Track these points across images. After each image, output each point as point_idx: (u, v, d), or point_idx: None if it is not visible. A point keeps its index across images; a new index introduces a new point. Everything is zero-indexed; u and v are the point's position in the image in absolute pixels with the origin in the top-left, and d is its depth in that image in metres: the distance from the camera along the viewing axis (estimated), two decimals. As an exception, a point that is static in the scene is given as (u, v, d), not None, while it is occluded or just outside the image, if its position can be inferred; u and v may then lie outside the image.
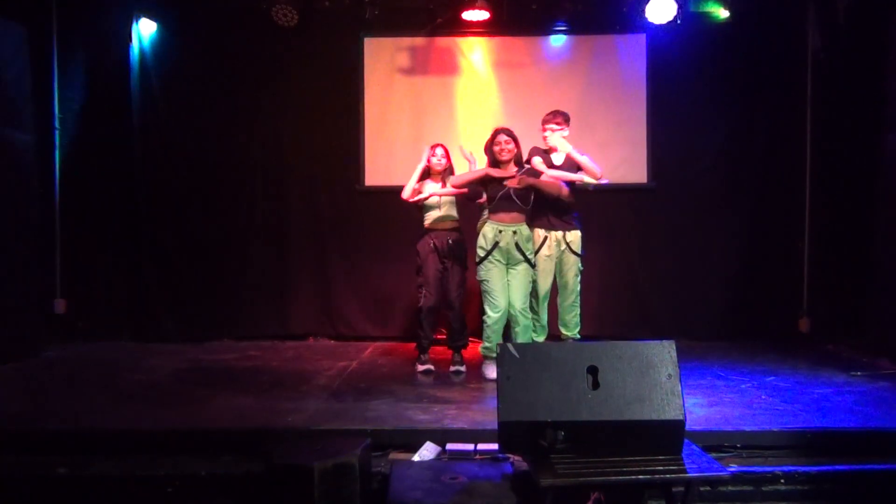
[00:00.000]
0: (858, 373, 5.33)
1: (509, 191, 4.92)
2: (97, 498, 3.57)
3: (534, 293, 5.29)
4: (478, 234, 5.62)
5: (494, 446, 3.49)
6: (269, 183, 6.97)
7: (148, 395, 4.76)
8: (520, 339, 5.01)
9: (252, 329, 6.88)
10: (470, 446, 3.88)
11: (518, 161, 5.07)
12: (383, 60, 6.97)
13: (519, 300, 5.02)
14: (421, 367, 5.54)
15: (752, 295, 6.83)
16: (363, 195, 7.00)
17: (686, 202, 6.84)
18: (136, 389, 4.93)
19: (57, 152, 6.77)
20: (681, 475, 3.16)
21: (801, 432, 3.97)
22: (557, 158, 5.40)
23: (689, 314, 6.79)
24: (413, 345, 6.68)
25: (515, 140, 5.03)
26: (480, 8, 6.37)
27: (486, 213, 5.52)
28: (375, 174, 6.99)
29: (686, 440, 3.32)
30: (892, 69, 5.94)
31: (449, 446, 3.87)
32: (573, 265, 5.38)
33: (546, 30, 6.90)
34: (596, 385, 3.26)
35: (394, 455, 3.86)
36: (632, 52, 6.91)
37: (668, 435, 3.25)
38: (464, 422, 4.10)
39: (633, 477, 3.10)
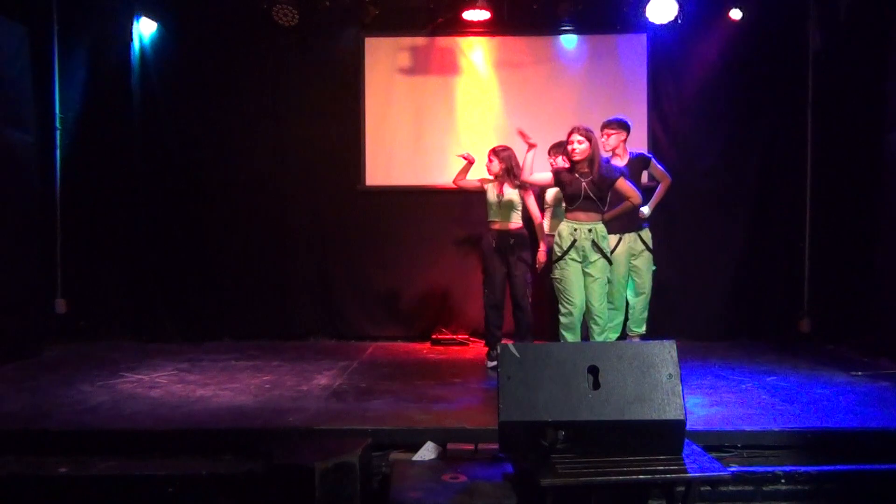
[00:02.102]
0: (859, 373, 5.32)
1: (587, 191, 4.87)
2: (97, 498, 3.57)
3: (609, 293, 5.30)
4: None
5: (494, 446, 3.49)
6: (270, 183, 6.95)
7: (148, 395, 4.76)
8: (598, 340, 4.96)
9: (252, 329, 6.87)
10: (470, 446, 3.88)
11: (591, 162, 4.91)
12: (384, 60, 6.97)
13: (596, 300, 4.94)
14: (490, 364, 5.61)
15: (752, 295, 6.83)
16: (363, 195, 7.00)
17: (686, 202, 6.83)
18: (136, 389, 4.93)
19: (57, 152, 6.77)
20: (681, 475, 3.17)
21: (801, 432, 3.97)
22: (620, 163, 5.54)
23: (689, 314, 6.79)
24: (415, 344, 6.74)
25: (590, 140, 4.91)
26: (481, 8, 6.37)
27: (548, 212, 5.69)
28: (375, 174, 6.99)
29: (687, 440, 3.32)
30: (893, 69, 5.93)
31: (449, 446, 3.87)
32: (649, 263, 5.63)
33: (546, 30, 6.89)
34: (596, 385, 3.26)
35: (394, 455, 3.86)
36: (632, 52, 6.91)
37: (669, 435, 3.25)
38: (464, 422, 4.10)
39: (634, 477, 3.10)
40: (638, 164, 5.65)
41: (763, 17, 6.67)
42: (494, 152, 5.56)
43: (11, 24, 5.98)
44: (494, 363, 5.54)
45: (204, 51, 6.89)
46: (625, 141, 5.63)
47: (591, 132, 4.94)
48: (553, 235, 5.18)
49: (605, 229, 5.01)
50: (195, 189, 6.91)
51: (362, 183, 6.99)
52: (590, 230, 4.92)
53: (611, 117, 5.68)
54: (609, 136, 5.57)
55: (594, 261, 4.92)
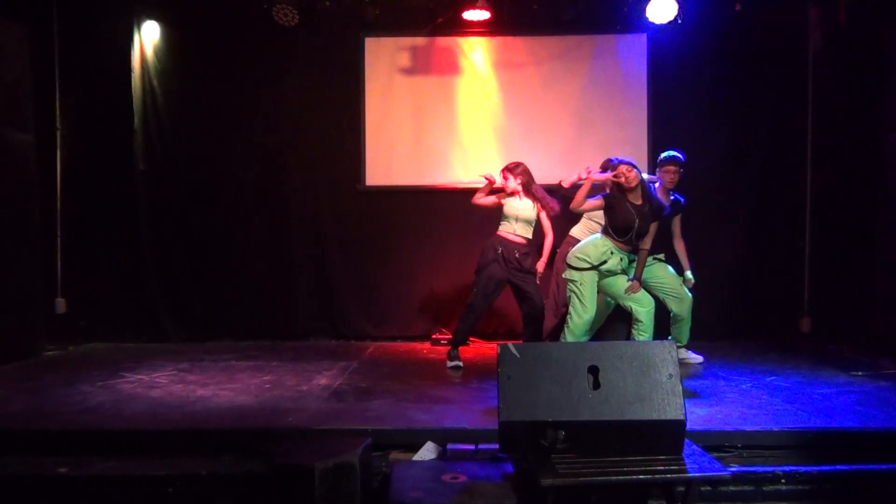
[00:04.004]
0: (859, 372, 5.32)
1: (638, 228, 4.91)
2: (97, 498, 3.57)
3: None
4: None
5: (494, 446, 3.49)
6: (270, 182, 6.96)
7: (148, 395, 4.76)
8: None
9: (252, 329, 6.87)
10: (470, 446, 3.88)
11: (648, 198, 4.99)
12: (384, 60, 6.97)
13: (642, 304, 4.99)
14: (451, 364, 5.60)
15: (752, 295, 6.83)
16: (363, 195, 7.00)
17: (687, 202, 6.83)
18: (136, 389, 4.93)
19: (57, 152, 6.77)
20: (681, 475, 3.16)
21: (802, 432, 3.96)
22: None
23: (689, 314, 6.79)
24: (415, 344, 6.72)
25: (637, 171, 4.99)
26: (481, 8, 6.37)
27: (580, 223, 5.65)
28: (375, 174, 6.99)
29: (687, 440, 3.31)
30: (893, 69, 5.93)
31: (449, 446, 3.87)
32: (666, 270, 5.59)
33: (546, 30, 6.90)
34: (597, 385, 3.26)
35: (394, 455, 3.86)
36: (633, 52, 6.91)
37: (669, 435, 3.25)
38: (464, 422, 4.10)
39: (634, 477, 3.10)
40: (677, 208, 5.61)
41: (763, 17, 6.67)
42: (509, 170, 5.52)
43: (11, 24, 5.98)
44: (456, 363, 5.59)
45: (204, 50, 6.89)
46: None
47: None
48: (578, 239, 5.21)
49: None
50: (195, 189, 6.91)
51: (362, 183, 6.99)
52: (621, 259, 4.99)
53: (674, 153, 5.58)
54: (672, 172, 5.53)
55: (619, 273, 5.01)
